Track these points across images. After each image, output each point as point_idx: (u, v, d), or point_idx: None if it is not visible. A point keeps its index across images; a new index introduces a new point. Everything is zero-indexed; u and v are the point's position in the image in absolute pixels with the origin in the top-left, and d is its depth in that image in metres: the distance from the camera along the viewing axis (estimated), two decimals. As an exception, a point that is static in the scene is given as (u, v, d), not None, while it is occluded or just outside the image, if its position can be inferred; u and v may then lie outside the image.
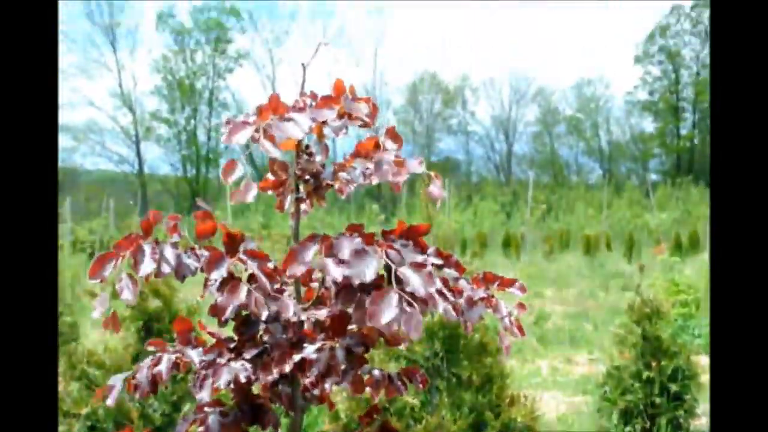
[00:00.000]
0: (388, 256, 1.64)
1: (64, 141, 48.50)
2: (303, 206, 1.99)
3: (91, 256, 20.20)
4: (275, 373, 1.78)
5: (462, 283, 1.81)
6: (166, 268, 1.73)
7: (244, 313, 1.79)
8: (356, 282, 1.61)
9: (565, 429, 6.47)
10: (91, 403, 3.88)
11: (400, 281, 1.60)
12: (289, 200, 2.00)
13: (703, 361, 7.93)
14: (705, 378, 5.45)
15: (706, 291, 10.85)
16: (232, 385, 1.79)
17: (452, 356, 3.91)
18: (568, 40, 74.67)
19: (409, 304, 1.56)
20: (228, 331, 1.88)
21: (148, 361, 1.90)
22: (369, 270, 1.61)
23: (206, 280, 1.74)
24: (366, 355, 1.86)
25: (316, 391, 1.91)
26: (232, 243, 1.80)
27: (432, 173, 1.93)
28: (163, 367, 1.87)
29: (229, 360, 1.81)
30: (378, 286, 1.62)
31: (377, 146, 1.94)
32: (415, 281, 1.60)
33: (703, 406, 5.37)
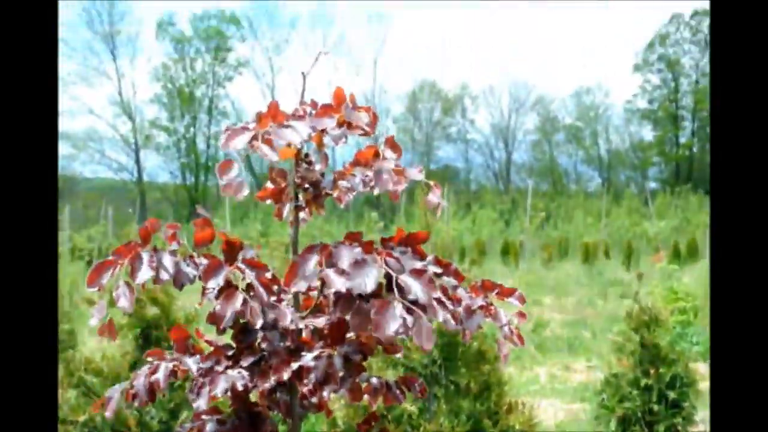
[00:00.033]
0: (387, 264, 1.64)
1: (63, 149, 48.59)
2: (302, 215, 1.99)
3: (89, 264, 20.19)
4: (273, 381, 1.78)
5: (461, 291, 1.81)
6: (164, 276, 1.73)
7: (242, 320, 1.79)
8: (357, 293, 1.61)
9: (564, 437, 6.45)
10: (89, 411, 3.87)
11: (400, 289, 1.60)
12: (287, 208, 2.00)
13: (702, 368, 7.92)
14: (703, 385, 5.44)
15: (704, 299, 10.85)
16: (229, 393, 1.79)
17: (450, 364, 3.90)
18: (567, 49, 74.83)
19: (412, 312, 1.56)
20: (226, 339, 1.88)
21: (145, 369, 1.89)
22: (369, 281, 1.61)
23: (204, 288, 1.74)
24: (364, 363, 1.85)
25: (314, 399, 1.91)
26: (231, 251, 1.80)
27: (431, 182, 1.94)
28: (160, 375, 1.87)
29: (226, 368, 1.81)
30: (377, 294, 1.61)
31: (377, 155, 1.94)
32: (416, 289, 1.60)
33: (702, 414, 5.36)
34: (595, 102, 58.17)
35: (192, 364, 1.88)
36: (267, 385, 1.79)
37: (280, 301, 1.81)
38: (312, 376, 1.76)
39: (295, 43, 57.90)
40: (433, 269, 1.73)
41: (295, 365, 1.77)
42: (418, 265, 1.68)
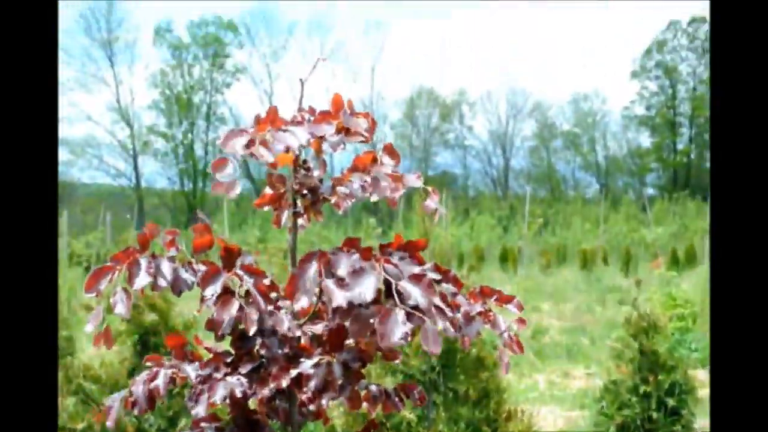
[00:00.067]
0: (386, 271, 1.64)
1: (61, 155, 48.61)
2: (300, 221, 1.98)
3: (87, 270, 20.16)
4: (272, 388, 1.77)
5: (459, 298, 1.80)
6: (162, 282, 1.72)
7: (240, 327, 1.78)
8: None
9: (563, 444, 6.44)
10: (88, 418, 3.86)
11: (400, 295, 1.59)
12: (286, 215, 2.00)
13: (701, 375, 7.92)
14: (702, 392, 5.44)
15: (703, 305, 10.84)
16: (228, 400, 1.78)
17: (449, 371, 3.89)
18: (566, 52, 74.90)
19: (411, 318, 1.56)
20: (226, 346, 1.87)
21: (144, 376, 1.89)
22: (369, 291, 1.60)
23: (203, 294, 1.74)
24: (363, 370, 1.85)
25: (312, 407, 1.90)
26: (229, 257, 1.80)
27: (429, 188, 1.93)
28: (160, 382, 1.86)
29: (225, 375, 1.80)
30: (376, 300, 1.61)
31: (374, 160, 1.93)
32: (415, 294, 1.60)
33: (701, 421, 5.35)
34: (593, 108, 58.33)
35: (191, 371, 1.87)
36: (266, 393, 1.78)
37: (278, 308, 1.81)
38: (311, 383, 1.76)
39: (292, 50, 58.01)
40: (432, 276, 1.72)
41: (293, 372, 1.76)
42: (417, 270, 1.68)
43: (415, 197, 4.34)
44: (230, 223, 26.17)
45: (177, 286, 1.75)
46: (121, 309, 1.69)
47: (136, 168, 52.66)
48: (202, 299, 1.73)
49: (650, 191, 52.29)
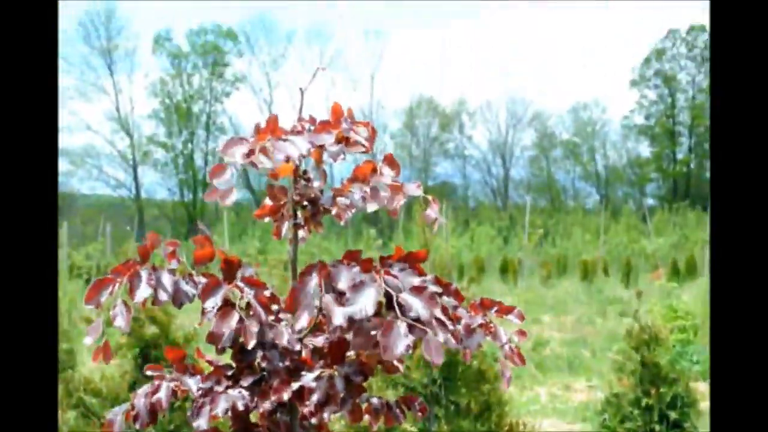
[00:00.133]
0: (386, 283, 1.63)
1: (61, 165, 48.65)
2: (301, 232, 1.98)
3: (88, 282, 20.14)
4: (273, 401, 1.76)
5: (460, 311, 1.79)
6: (163, 296, 1.71)
7: (241, 339, 1.77)
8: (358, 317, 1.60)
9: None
10: None
11: (401, 307, 1.59)
12: (286, 226, 1.99)
13: (702, 387, 7.89)
14: (704, 405, 5.42)
15: (704, 317, 10.82)
16: (230, 413, 1.77)
17: (450, 383, 3.88)
18: (565, 56, 75.08)
19: (413, 330, 1.55)
20: (227, 359, 1.86)
21: (146, 388, 1.87)
22: (369, 305, 1.60)
23: (204, 307, 1.73)
24: (364, 384, 1.84)
25: (314, 420, 1.89)
26: (230, 269, 1.79)
27: (430, 197, 1.93)
28: (162, 395, 1.85)
29: (226, 388, 1.79)
30: (377, 312, 1.60)
31: (374, 171, 1.93)
32: (417, 306, 1.59)
33: (703, 434, 5.34)
34: (592, 118, 58.42)
35: (192, 383, 1.86)
36: (267, 406, 1.77)
37: (279, 319, 1.80)
38: (313, 397, 1.75)
39: (291, 59, 58.09)
40: (432, 288, 1.71)
41: (295, 386, 1.75)
42: (418, 282, 1.67)
43: (415, 208, 4.34)
44: (230, 234, 26.18)
45: (178, 299, 1.74)
46: (120, 322, 1.68)
47: (136, 178, 52.77)
48: (203, 312, 1.73)
49: (650, 201, 52.36)
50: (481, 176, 58.66)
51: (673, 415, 5.11)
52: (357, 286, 1.62)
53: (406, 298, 1.61)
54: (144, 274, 1.71)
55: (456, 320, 1.73)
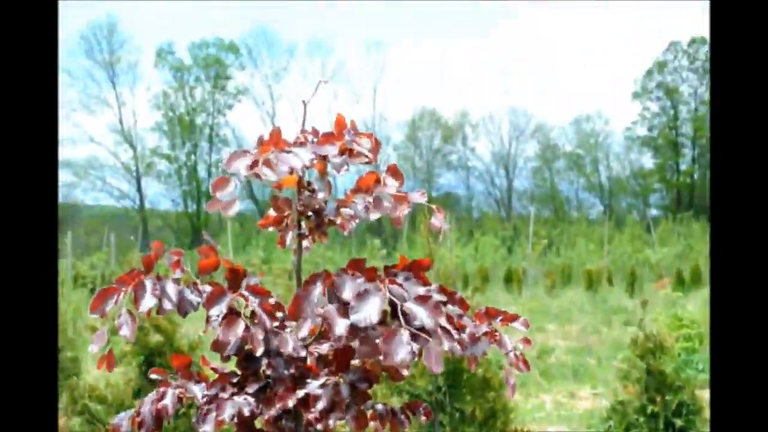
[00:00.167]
0: (391, 292, 1.64)
1: (65, 176, 48.79)
2: (305, 242, 1.99)
3: (92, 292, 20.13)
4: (278, 408, 1.77)
5: (465, 319, 1.81)
6: (167, 305, 1.73)
7: (246, 347, 1.79)
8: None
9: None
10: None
11: (406, 316, 1.60)
12: (290, 236, 2.00)
13: (707, 395, 7.87)
14: (709, 412, 5.40)
15: (708, 326, 10.78)
16: (235, 419, 1.78)
17: (455, 391, 3.88)
18: (566, 58, 75.01)
19: (417, 339, 1.56)
20: (231, 366, 1.88)
21: (152, 395, 1.89)
22: (374, 313, 1.60)
23: (208, 315, 1.74)
24: (369, 391, 1.85)
25: (319, 426, 1.90)
26: (235, 278, 1.80)
27: (434, 206, 1.94)
28: (168, 401, 1.86)
29: (232, 394, 1.81)
30: (382, 321, 1.61)
31: (378, 181, 1.94)
32: (421, 315, 1.60)
33: (708, 442, 5.33)
34: (595, 129, 58.40)
35: (197, 390, 1.87)
36: (272, 413, 1.78)
37: (283, 327, 1.81)
38: (319, 404, 1.76)
39: (294, 71, 58.30)
40: (437, 297, 1.72)
41: (300, 393, 1.76)
42: (422, 291, 1.68)
43: (419, 218, 4.35)
44: (234, 244, 26.20)
45: (182, 308, 1.75)
46: (126, 331, 1.69)
47: (139, 189, 52.86)
48: (208, 320, 1.74)
49: (654, 212, 52.32)
50: (485, 187, 58.67)
51: (678, 422, 5.10)
52: (361, 295, 1.63)
53: (411, 306, 1.61)
54: (149, 283, 1.72)
55: (461, 329, 1.75)
